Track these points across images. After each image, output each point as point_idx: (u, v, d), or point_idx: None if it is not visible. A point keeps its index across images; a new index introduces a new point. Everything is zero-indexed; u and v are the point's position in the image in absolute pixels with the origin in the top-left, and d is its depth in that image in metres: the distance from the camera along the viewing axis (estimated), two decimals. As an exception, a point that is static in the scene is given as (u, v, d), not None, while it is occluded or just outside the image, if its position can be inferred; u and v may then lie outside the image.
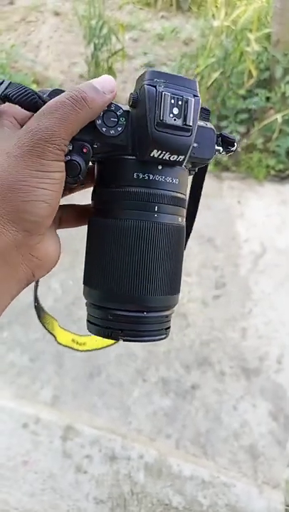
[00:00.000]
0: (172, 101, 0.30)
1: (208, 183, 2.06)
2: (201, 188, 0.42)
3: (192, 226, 0.43)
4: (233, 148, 0.36)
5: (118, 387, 1.46)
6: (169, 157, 0.32)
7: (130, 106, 0.32)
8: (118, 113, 0.32)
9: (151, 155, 0.31)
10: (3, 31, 2.79)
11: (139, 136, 0.31)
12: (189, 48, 2.74)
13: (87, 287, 0.35)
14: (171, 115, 0.30)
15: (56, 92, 0.31)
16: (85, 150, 0.31)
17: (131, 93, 0.32)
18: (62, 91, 0.30)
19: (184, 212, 0.36)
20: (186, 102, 0.31)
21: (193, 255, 1.82)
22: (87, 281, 0.35)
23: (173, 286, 0.35)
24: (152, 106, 0.30)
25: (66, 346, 0.46)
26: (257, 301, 1.73)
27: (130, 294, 0.33)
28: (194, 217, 0.42)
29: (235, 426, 1.43)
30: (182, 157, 0.32)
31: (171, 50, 2.74)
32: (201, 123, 0.34)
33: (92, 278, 0.35)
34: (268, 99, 2.28)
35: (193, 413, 1.45)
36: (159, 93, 0.30)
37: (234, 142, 0.36)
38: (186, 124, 0.31)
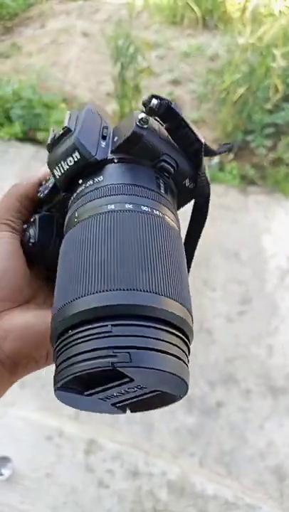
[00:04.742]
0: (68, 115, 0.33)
1: (234, 198, 2.05)
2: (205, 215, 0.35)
3: (194, 252, 0.37)
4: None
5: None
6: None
7: None
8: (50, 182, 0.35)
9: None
10: (34, 53, 2.91)
11: None
12: (215, 64, 2.77)
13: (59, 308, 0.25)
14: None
15: None
16: (32, 219, 0.35)
17: None
18: None
19: (165, 209, 0.30)
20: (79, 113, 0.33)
21: (219, 269, 1.81)
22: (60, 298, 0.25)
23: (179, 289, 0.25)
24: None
25: None
26: (284, 318, 1.70)
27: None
28: (195, 244, 0.36)
29: (260, 445, 1.40)
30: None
31: (197, 67, 2.78)
32: None
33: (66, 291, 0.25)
34: (294, 113, 2.27)
35: (217, 431, 1.43)
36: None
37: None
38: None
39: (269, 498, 1.30)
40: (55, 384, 0.24)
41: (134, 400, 0.26)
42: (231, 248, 1.90)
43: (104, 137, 0.32)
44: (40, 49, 2.94)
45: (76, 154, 0.31)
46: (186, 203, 0.36)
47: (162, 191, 0.31)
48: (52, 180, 0.34)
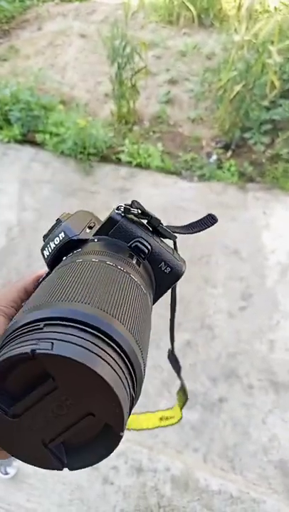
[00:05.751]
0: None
1: (233, 195, 2.05)
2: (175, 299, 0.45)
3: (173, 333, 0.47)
4: None
5: (144, 399, 1.47)
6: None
7: None
8: None
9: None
10: (32, 56, 2.92)
11: None
12: (212, 62, 2.78)
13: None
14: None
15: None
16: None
17: None
18: None
19: (124, 265, 0.33)
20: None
21: (219, 266, 1.82)
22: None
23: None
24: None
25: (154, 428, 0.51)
26: (285, 313, 1.70)
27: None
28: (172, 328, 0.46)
29: (264, 440, 1.41)
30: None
31: (193, 66, 2.78)
32: None
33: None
34: (291, 109, 2.27)
35: (220, 426, 1.44)
36: None
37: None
38: None
39: (273, 492, 1.31)
40: None
41: (66, 432, 0.24)
42: (231, 245, 1.91)
43: (90, 227, 0.39)
44: (37, 51, 2.96)
45: (62, 234, 0.37)
46: (168, 287, 0.39)
47: (134, 262, 0.34)
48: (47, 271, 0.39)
